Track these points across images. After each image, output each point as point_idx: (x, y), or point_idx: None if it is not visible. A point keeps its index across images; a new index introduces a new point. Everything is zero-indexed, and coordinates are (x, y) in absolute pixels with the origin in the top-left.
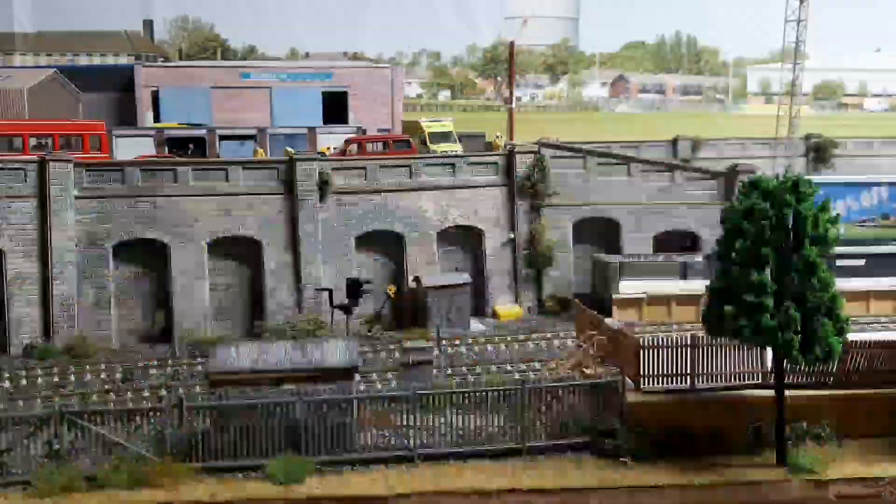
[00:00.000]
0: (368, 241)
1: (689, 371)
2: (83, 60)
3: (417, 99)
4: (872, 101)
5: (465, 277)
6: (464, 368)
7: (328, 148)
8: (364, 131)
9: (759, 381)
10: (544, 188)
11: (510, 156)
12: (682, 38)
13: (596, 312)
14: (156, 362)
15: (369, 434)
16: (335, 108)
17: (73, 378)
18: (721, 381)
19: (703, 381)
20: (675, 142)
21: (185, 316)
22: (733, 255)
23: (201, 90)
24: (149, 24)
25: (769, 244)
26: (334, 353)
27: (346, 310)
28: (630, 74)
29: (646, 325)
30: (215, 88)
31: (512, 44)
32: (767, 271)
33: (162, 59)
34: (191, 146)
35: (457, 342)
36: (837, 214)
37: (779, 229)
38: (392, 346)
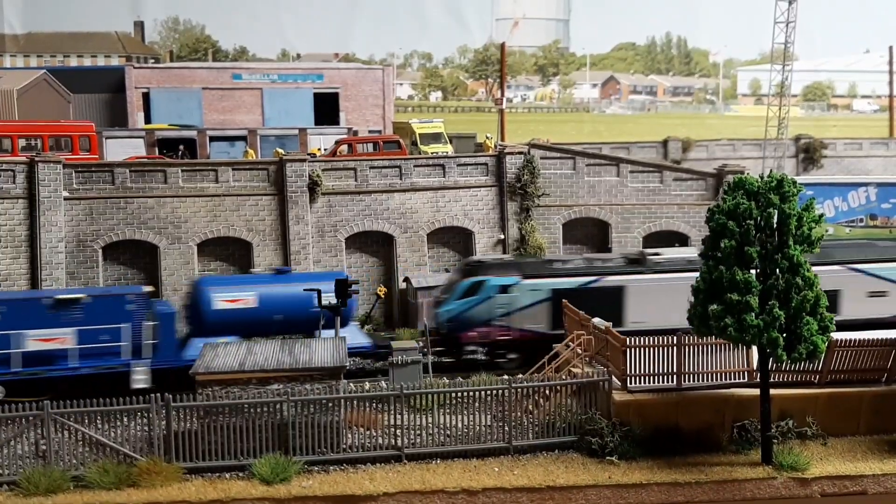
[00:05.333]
0: (358, 241)
1: (675, 370)
2: (73, 61)
3: (409, 100)
4: (861, 102)
5: None
6: None
7: (319, 149)
8: (355, 132)
9: (745, 379)
10: (534, 189)
11: (500, 157)
12: (672, 39)
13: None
14: None
15: (357, 433)
16: (326, 109)
17: None
18: (707, 379)
19: (689, 380)
20: (665, 143)
21: None
22: (718, 254)
23: (192, 91)
24: (139, 26)
25: (754, 244)
26: (322, 353)
27: (335, 310)
28: (621, 76)
29: None
30: (206, 90)
31: (503, 45)
32: (752, 270)
33: (153, 60)
34: (181, 147)
35: None
36: (821, 214)
37: (763, 229)
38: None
